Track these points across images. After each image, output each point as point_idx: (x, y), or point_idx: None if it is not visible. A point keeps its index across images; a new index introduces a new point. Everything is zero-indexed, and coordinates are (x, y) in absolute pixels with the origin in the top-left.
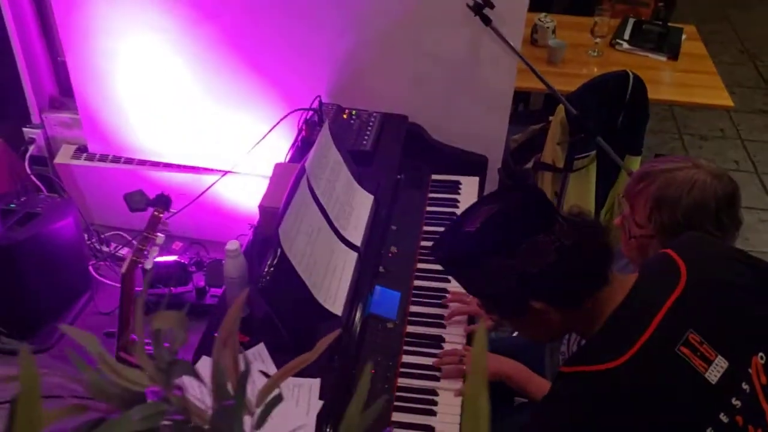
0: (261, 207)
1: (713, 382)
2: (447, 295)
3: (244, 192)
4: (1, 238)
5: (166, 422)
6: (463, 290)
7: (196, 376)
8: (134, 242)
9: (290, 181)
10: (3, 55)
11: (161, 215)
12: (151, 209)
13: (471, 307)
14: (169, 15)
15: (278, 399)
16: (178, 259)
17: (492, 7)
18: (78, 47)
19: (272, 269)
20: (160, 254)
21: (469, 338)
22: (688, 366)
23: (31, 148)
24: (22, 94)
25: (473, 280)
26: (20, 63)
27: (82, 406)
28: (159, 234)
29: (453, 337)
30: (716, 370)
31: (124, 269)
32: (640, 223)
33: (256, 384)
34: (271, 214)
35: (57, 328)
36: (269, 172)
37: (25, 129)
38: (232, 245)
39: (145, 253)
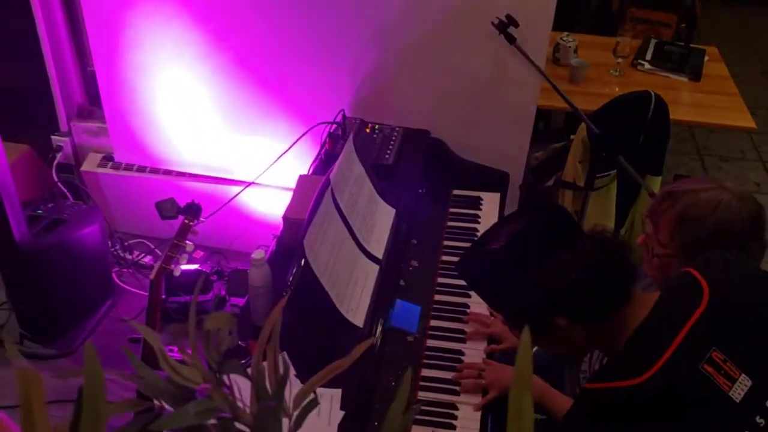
0: (285, 218)
1: (737, 401)
2: (467, 310)
3: (266, 203)
4: (28, 244)
5: (213, 420)
6: (483, 311)
7: (246, 374)
8: (157, 250)
9: (314, 193)
10: (34, 64)
11: (191, 223)
12: (181, 217)
13: (491, 329)
14: (197, 28)
15: (314, 403)
16: (200, 268)
17: (516, 25)
18: (107, 58)
19: (296, 279)
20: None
21: (490, 355)
22: (712, 384)
23: (59, 156)
24: (52, 103)
25: (497, 296)
26: (50, 72)
27: (140, 401)
28: (188, 242)
29: (473, 352)
30: (740, 388)
31: (152, 276)
32: (663, 242)
33: (291, 388)
34: (295, 224)
35: (79, 333)
36: (292, 184)
37: (53, 137)
38: (258, 254)
39: (174, 260)
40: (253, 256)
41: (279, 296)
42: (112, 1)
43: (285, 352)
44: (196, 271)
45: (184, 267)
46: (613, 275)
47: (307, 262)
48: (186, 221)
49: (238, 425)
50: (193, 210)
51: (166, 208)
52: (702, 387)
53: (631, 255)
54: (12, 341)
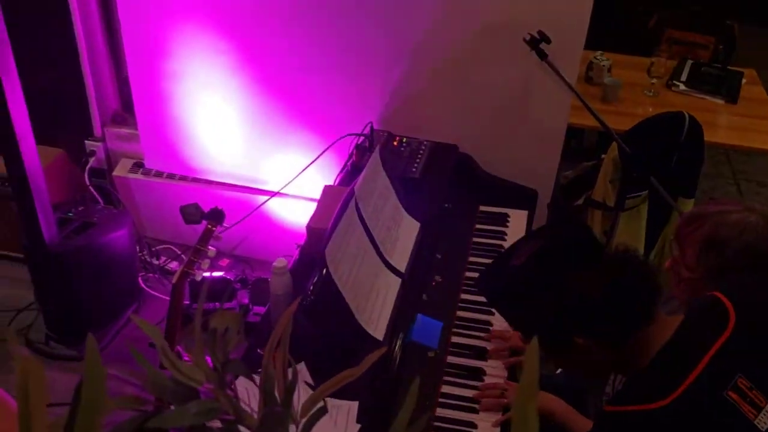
0: (308, 227)
1: (762, 430)
2: (490, 328)
3: (292, 213)
4: (58, 246)
5: (217, 423)
6: (506, 328)
7: (249, 375)
8: (183, 256)
9: (338, 203)
10: (71, 70)
11: (214, 229)
12: (204, 223)
13: (512, 342)
14: (229, 39)
15: (322, 411)
16: (225, 275)
17: (549, 41)
18: (141, 65)
19: (317, 289)
20: (208, 269)
21: (511, 372)
22: (737, 411)
23: (91, 160)
24: (86, 108)
25: (518, 314)
26: (87, 78)
27: (142, 398)
28: (211, 248)
29: (494, 370)
30: (766, 417)
31: (175, 280)
32: (689, 265)
33: (300, 396)
34: (319, 234)
35: (104, 336)
36: (318, 194)
37: (86, 141)
38: (280, 263)
39: (197, 265)
40: (275, 264)
41: (299, 305)
42: (148, 11)
43: (303, 363)
44: (220, 278)
45: (209, 274)
46: (634, 296)
47: (328, 271)
48: (209, 226)
49: (242, 429)
50: (216, 215)
51: (190, 213)
52: (726, 414)
53: (654, 274)
54: (35, 340)
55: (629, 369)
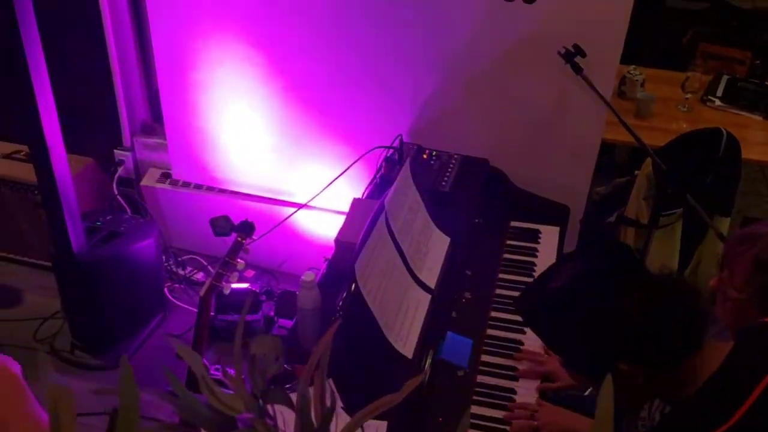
0: (337, 241)
1: None
2: (521, 347)
3: (319, 226)
4: (85, 255)
5: None
6: (537, 348)
7: (292, 405)
8: (209, 267)
9: (368, 217)
10: (103, 80)
11: (244, 242)
12: (233, 235)
13: (546, 367)
14: (259, 51)
15: None
16: (250, 287)
17: (584, 55)
18: (171, 77)
19: (346, 305)
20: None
21: (543, 395)
22: None
23: (120, 170)
24: (116, 118)
25: (558, 337)
26: (117, 88)
27: (175, 426)
28: (240, 260)
29: (525, 390)
30: None
31: (202, 293)
32: (737, 286)
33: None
34: (347, 248)
35: (129, 346)
36: (345, 207)
37: (115, 151)
38: (308, 277)
39: (225, 278)
40: (303, 278)
41: (328, 320)
42: (179, 23)
43: (330, 380)
44: (245, 290)
45: (234, 285)
46: (681, 322)
47: (357, 287)
48: (238, 239)
49: None
50: (246, 228)
51: (220, 225)
52: None
53: (701, 299)
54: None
55: (675, 397)
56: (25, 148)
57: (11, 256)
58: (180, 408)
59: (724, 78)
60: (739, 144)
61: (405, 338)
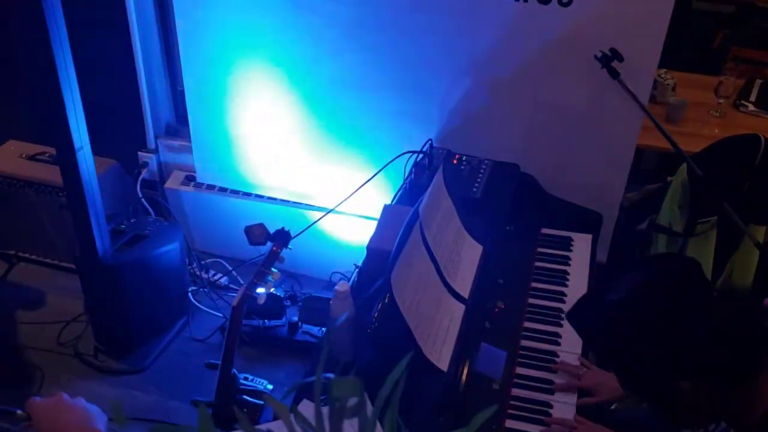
0: (369, 248)
1: None
2: (556, 359)
3: (344, 231)
4: (110, 258)
5: None
6: (572, 360)
7: None
8: (234, 272)
9: (399, 224)
10: (128, 81)
11: (279, 251)
12: (269, 244)
13: (584, 381)
14: (286, 54)
15: None
16: (274, 292)
17: (621, 59)
18: (196, 79)
19: (381, 316)
20: (259, 285)
21: (580, 410)
22: None
23: (144, 172)
24: (141, 120)
25: (613, 353)
26: (142, 90)
27: None
28: (275, 270)
29: (561, 405)
30: None
31: (235, 302)
32: None
33: None
34: (379, 255)
35: (152, 350)
36: (371, 212)
37: (140, 153)
38: (342, 287)
39: (259, 287)
40: (338, 288)
41: (361, 330)
42: (206, 25)
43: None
44: (270, 294)
45: (259, 291)
46: (746, 340)
47: (392, 298)
48: (274, 248)
49: None
50: (282, 236)
51: (256, 234)
52: None
53: (765, 318)
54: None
55: (737, 419)
56: (49, 150)
57: (35, 257)
58: None
59: (758, 82)
60: None
61: (440, 350)
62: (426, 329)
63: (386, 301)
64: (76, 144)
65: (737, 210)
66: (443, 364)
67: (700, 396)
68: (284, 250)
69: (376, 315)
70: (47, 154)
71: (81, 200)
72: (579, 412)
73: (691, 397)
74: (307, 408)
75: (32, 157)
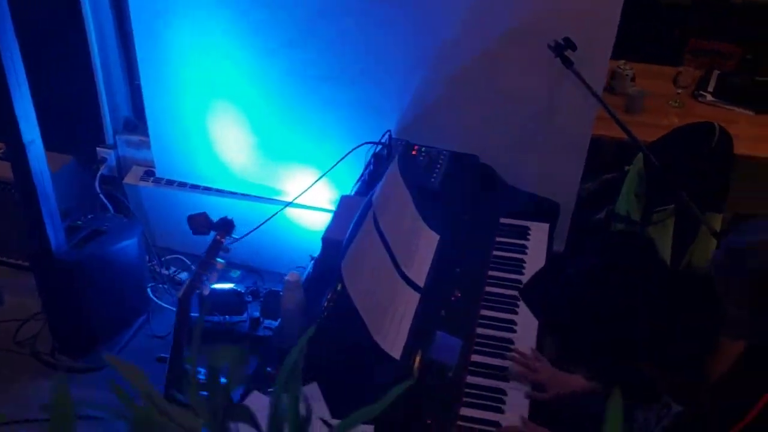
0: (324, 239)
1: None
2: (511, 346)
3: (306, 223)
4: (65, 254)
5: None
6: (526, 349)
7: (255, 423)
8: (194, 267)
9: (355, 214)
10: (84, 76)
11: (223, 240)
12: (213, 234)
13: (537, 376)
14: (244, 47)
15: None
16: (235, 288)
17: (574, 48)
18: (153, 73)
19: (332, 305)
20: (218, 281)
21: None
22: None
23: (102, 168)
24: (98, 115)
25: (576, 328)
26: (99, 85)
27: None
28: (219, 260)
29: (516, 392)
30: None
31: (181, 294)
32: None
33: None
34: (335, 246)
35: (111, 348)
36: (332, 204)
37: (98, 149)
38: (292, 277)
39: (204, 278)
40: (288, 278)
41: (313, 321)
42: (162, 19)
43: (315, 383)
44: (231, 290)
45: (220, 286)
46: (704, 321)
47: (344, 286)
48: (218, 237)
49: None
50: (225, 226)
51: (198, 223)
52: None
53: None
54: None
55: (685, 396)
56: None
57: None
58: (134, 425)
59: (715, 73)
60: (731, 139)
61: (393, 339)
62: (379, 317)
63: (338, 289)
64: (26, 138)
65: (694, 198)
66: (396, 353)
67: (655, 373)
68: (229, 239)
69: (326, 304)
70: (2, 150)
71: (33, 195)
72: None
73: (648, 374)
74: (256, 400)
75: None
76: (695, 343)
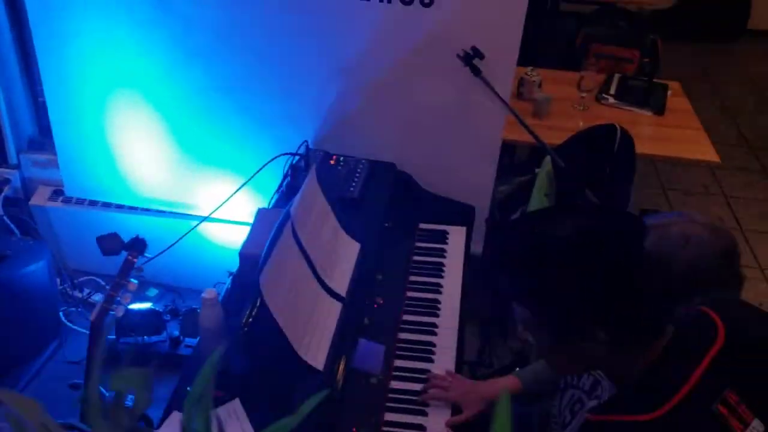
0: (242, 254)
1: None
2: (432, 348)
3: (224, 239)
4: None
5: None
6: (441, 371)
7: None
8: (108, 288)
9: (275, 228)
10: None
11: (135, 260)
12: (125, 253)
13: (450, 394)
14: (154, 56)
15: None
16: (153, 307)
17: (482, 57)
18: (58, 89)
19: (251, 320)
20: (135, 301)
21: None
22: (724, 426)
23: (6, 189)
24: (0, 134)
25: (543, 285)
26: (0, 103)
27: None
28: (132, 280)
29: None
30: None
31: (93, 317)
32: None
33: None
34: (253, 261)
35: (22, 376)
36: (251, 218)
37: (0, 169)
38: (209, 294)
39: (117, 299)
40: (204, 295)
41: (232, 338)
42: (64, 31)
43: (237, 400)
44: (148, 310)
45: (137, 306)
46: (668, 304)
47: (262, 300)
48: (129, 257)
49: None
50: (137, 245)
51: (108, 244)
52: (715, 428)
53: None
54: None
55: (619, 376)
56: None
57: None
58: None
59: (616, 77)
60: (632, 139)
61: (316, 350)
62: (300, 329)
63: (257, 304)
64: None
65: (600, 197)
66: (319, 363)
67: (602, 349)
68: (141, 258)
69: (246, 320)
70: None
71: None
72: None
73: (596, 349)
74: (176, 419)
75: None
76: (655, 325)
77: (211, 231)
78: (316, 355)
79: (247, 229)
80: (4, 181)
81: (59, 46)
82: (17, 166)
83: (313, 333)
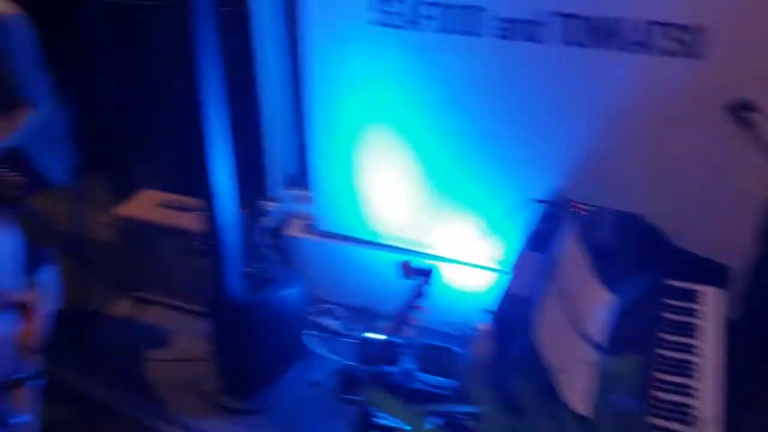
0: (508, 294)
1: None
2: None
3: (462, 279)
4: (242, 298)
5: None
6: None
7: None
8: (348, 317)
9: (535, 272)
10: (253, 134)
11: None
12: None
13: None
14: (408, 103)
15: None
16: (390, 338)
17: (755, 110)
18: (319, 131)
19: (520, 360)
20: (370, 330)
21: None
22: None
23: (267, 220)
24: (265, 169)
25: None
26: (266, 141)
27: None
28: (421, 304)
29: None
30: None
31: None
32: None
33: None
34: (517, 301)
35: (271, 391)
36: (482, 260)
37: (263, 201)
38: (484, 327)
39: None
40: (480, 327)
41: (500, 375)
42: (336, 80)
43: None
44: (385, 340)
45: (374, 336)
46: None
47: (532, 344)
48: (420, 285)
49: None
50: (428, 274)
51: (407, 269)
52: None
53: None
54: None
55: None
56: (177, 198)
57: (160, 299)
58: None
59: None
60: None
61: (580, 397)
62: (565, 377)
63: (526, 347)
64: (220, 190)
65: None
66: (583, 410)
67: None
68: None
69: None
70: (176, 202)
71: (221, 244)
72: None
73: None
74: None
75: (162, 205)
76: None
77: (450, 271)
78: (581, 402)
79: (476, 272)
80: (265, 213)
81: (330, 95)
82: (278, 199)
83: (577, 379)
